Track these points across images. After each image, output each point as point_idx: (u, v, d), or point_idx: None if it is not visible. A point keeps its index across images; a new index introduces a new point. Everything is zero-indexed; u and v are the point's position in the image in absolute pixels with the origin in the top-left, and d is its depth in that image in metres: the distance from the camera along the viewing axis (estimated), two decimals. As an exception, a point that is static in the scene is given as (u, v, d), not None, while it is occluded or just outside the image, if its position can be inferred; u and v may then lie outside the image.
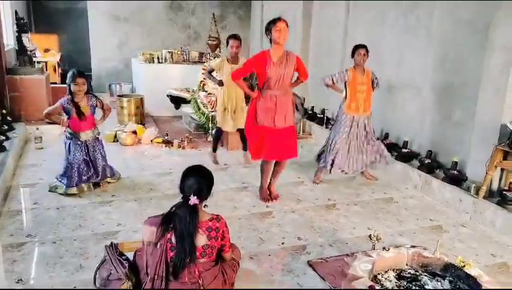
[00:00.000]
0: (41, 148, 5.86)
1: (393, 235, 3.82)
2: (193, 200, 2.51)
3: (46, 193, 4.38)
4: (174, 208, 2.57)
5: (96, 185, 4.52)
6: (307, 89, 7.75)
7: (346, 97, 4.88)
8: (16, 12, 6.90)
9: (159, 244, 2.52)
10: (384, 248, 2.97)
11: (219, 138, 5.61)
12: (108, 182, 4.63)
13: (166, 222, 2.54)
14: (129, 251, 2.85)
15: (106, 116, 4.58)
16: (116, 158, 5.23)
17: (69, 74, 4.22)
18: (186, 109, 7.35)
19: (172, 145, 6.11)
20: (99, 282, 2.80)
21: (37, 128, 5.92)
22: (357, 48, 4.82)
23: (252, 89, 4.66)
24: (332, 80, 4.87)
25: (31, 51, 7.80)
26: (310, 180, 5.08)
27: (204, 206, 2.70)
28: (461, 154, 4.68)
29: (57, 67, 9.63)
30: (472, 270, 2.75)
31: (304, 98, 6.88)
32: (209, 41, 6.68)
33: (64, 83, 8.87)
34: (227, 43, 5.17)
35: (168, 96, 7.40)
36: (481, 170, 4.26)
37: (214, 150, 5.60)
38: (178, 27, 9.99)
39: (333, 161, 4.92)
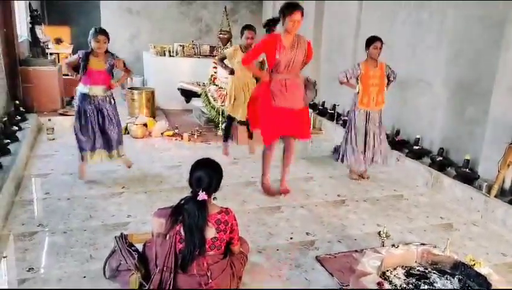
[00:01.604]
0: (53, 139, 5.91)
1: (402, 232, 3.79)
2: (202, 195, 2.51)
3: (57, 183, 4.43)
4: (183, 201, 2.59)
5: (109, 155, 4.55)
6: (318, 85, 7.71)
7: (358, 92, 4.82)
8: (30, 5, 6.95)
9: (168, 236, 2.54)
10: (393, 245, 2.95)
11: (230, 127, 5.60)
12: (120, 155, 4.62)
13: (176, 214, 2.56)
14: (138, 243, 2.87)
15: (124, 78, 4.59)
16: (126, 150, 5.23)
17: (91, 31, 4.18)
18: (196, 102, 7.36)
19: (182, 138, 6.13)
20: (108, 272, 2.84)
21: (49, 120, 5.97)
22: (373, 40, 4.70)
23: None
24: (346, 76, 4.81)
25: (43, 43, 7.87)
26: (319, 175, 5.07)
27: (213, 199, 2.71)
28: (473, 152, 4.63)
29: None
30: (482, 269, 2.72)
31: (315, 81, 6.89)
32: (221, 35, 6.67)
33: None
34: (242, 33, 5.16)
35: (178, 89, 7.42)
36: (493, 168, 4.21)
37: (225, 139, 5.59)
38: (189, 20, 9.99)
39: (350, 156, 4.91)
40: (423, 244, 3.13)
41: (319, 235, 3.63)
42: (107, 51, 4.28)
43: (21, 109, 5.95)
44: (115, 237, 2.88)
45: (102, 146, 4.47)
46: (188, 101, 7.54)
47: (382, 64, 4.82)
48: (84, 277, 2.91)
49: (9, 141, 4.69)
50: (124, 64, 4.48)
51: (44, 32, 7.09)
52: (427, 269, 2.88)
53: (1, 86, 5.80)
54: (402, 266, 2.88)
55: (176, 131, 6.27)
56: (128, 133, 6.22)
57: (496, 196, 4.17)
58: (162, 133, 6.27)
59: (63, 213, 3.80)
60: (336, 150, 5.18)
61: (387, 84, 4.91)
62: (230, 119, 5.51)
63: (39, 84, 6.67)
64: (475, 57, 4.71)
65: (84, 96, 4.31)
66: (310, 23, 7.82)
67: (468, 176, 4.55)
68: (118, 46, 9.73)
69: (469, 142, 4.77)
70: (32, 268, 2.96)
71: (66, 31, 10.92)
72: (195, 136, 6.15)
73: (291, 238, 3.57)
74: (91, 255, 3.15)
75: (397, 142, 5.59)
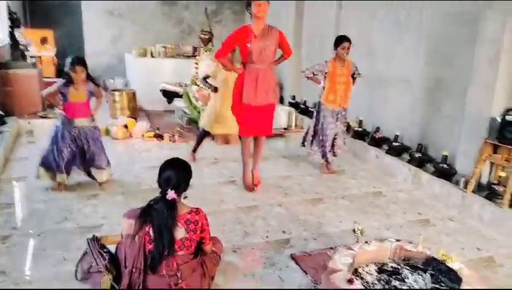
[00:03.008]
0: (33, 142, 5.85)
1: (379, 229, 3.81)
2: (171, 194, 2.51)
3: (34, 186, 4.37)
4: (152, 202, 2.58)
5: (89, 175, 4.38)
6: (300, 84, 7.75)
7: (324, 88, 4.92)
8: (9, 7, 6.86)
9: (137, 237, 2.52)
10: (366, 242, 2.96)
11: (202, 139, 5.40)
12: (101, 183, 4.39)
13: (145, 214, 2.54)
14: (112, 244, 2.84)
15: (100, 104, 4.43)
16: (106, 152, 5.21)
17: (68, 60, 4.06)
18: (178, 103, 7.33)
19: (163, 139, 6.11)
20: (80, 274, 2.80)
21: (29, 122, 5.93)
22: (341, 40, 4.79)
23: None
24: (313, 72, 4.92)
25: (24, 46, 7.78)
26: (298, 174, 5.08)
27: (184, 198, 2.70)
28: (451, 148, 4.67)
29: (55, 61, 9.64)
30: (453, 264, 2.74)
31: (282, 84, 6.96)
32: (202, 35, 6.63)
33: (60, 77, 8.91)
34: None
35: (160, 90, 7.39)
36: (471, 164, 4.26)
37: (195, 150, 5.39)
38: (172, 22, 9.95)
39: (323, 152, 5.05)
40: (398, 240, 3.15)
41: (295, 233, 3.63)
42: (87, 77, 4.16)
43: (0, 112, 5.86)
44: (87, 239, 2.85)
45: (80, 167, 4.34)
46: (170, 102, 7.51)
47: (349, 62, 4.92)
48: (55, 279, 2.87)
49: (-17, 144, 4.61)
50: (97, 91, 4.34)
51: (24, 35, 6.99)
52: (399, 265, 2.89)
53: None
54: (375, 263, 2.89)
55: (157, 132, 6.24)
56: (108, 134, 6.17)
57: (473, 191, 4.21)
58: (142, 135, 6.24)
59: (38, 216, 3.76)
60: (304, 139, 5.29)
61: (353, 81, 5.01)
62: (204, 133, 5.34)
63: (19, 88, 6.59)
64: (451, 55, 4.76)
65: (68, 123, 4.17)
66: (290, 24, 7.86)
67: (446, 171, 4.59)
68: (100, 48, 9.73)
69: (447, 138, 4.81)
70: (4, 272, 2.93)
71: (49, 33, 10.81)
72: (176, 137, 6.12)
73: (266, 237, 3.57)
74: (64, 257, 3.12)
75: (377, 139, 5.62)
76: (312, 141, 5.16)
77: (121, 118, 6.45)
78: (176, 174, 2.56)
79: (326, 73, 4.86)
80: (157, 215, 2.50)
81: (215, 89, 5.17)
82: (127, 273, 2.50)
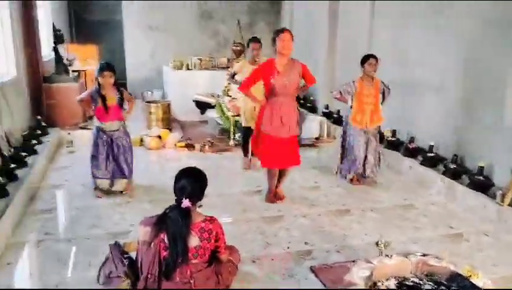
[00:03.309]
0: (73, 151, 6.12)
1: (406, 243, 3.67)
2: (185, 203, 2.55)
3: (69, 194, 4.59)
4: (168, 210, 2.63)
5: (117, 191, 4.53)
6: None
7: (351, 107, 4.88)
8: (53, 25, 7.27)
9: (152, 244, 2.58)
10: (387, 255, 2.88)
11: (247, 140, 5.43)
12: (126, 191, 4.54)
13: (160, 222, 2.60)
14: (135, 250, 2.91)
15: (131, 109, 4.61)
16: (139, 162, 5.35)
17: (98, 67, 4.33)
18: (211, 113, 7.45)
19: (194, 149, 6.22)
20: (102, 279, 2.89)
21: (69, 133, 6.21)
22: (367, 57, 4.78)
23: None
24: (340, 92, 4.92)
25: (69, 60, 8.23)
26: (326, 185, 5.01)
27: (199, 207, 2.73)
28: (488, 159, 4.46)
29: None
30: (478, 281, 2.61)
31: (305, 114, 7.10)
32: (234, 47, 6.78)
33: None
34: (248, 46, 5.25)
35: (194, 101, 7.55)
36: (508, 176, 4.05)
37: (245, 153, 5.52)
38: (208, 34, 10.19)
39: (350, 168, 4.98)
40: (424, 255, 3.04)
41: (318, 245, 3.58)
42: (115, 83, 4.37)
43: (43, 123, 6.19)
44: (109, 244, 2.95)
45: (113, 173, 4.47)
46: (203, 112, 7.65)
47: (377, 81, 4.86)
48: (80, 283, 2.98)
49: (26, 154, 4.88)
50: (128, 96, 4.56)
51: (66, 50, 7.38)
52: (421, 280, 2.79)
53: (23, 104, 6.08)
54: (395, 277, 2.81)
55: (188, 142, 6.36)
56: (142, 144, 6.36)
57: (509, 205, 4.00)
58: (175, 145, 6.38)
59: (71, 222, 3.93)
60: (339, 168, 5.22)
61: (383, 100, 4.95)
62: (246, 132, 5.45)
63: (61, 100, 6.92)
64: (489, 61, 4.56)
65: (100, 130, 4.39)
66: (324, 31, 7.82)
67: (482, 184, 4.38)
68: (140, 61, 10.10)
69: (484, 149, 4.60)
70: (32, 274, 3.07)
71: (93, 49, 11.35)
72: (207, 147, 6.22)
73: (288, 247, 3.54)
74: (90, 263, 3.23)
75: (411, 150, 5.46)
76: (342, 161, 5.12)
77: (155, 129, 6.63)
78: (191, 183, 2.60)
79: (353, 93, 4.83)
80: (172, 224, 2.55)
81: None
82: (142, 279, 2.56)
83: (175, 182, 2.64)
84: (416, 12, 5.65)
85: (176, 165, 5.62)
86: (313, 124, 7.11)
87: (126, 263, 2.75)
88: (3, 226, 3.46)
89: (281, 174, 4.48)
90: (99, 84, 4.29)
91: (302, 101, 8.60)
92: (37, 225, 3.85)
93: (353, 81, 4.87)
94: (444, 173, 4.83)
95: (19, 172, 4.45)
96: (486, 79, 4.61)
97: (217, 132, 7.24)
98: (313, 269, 3.19)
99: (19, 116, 5.70)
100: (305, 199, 4.58)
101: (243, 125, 5.49)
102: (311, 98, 8.47)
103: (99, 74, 4.23)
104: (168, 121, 7.32)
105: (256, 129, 4.41)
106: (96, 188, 4.49)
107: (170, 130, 7.08)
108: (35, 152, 5.20)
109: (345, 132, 5.05)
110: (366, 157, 4.92)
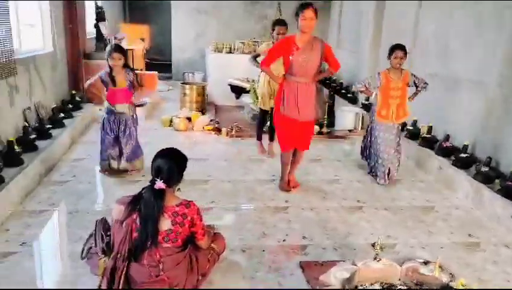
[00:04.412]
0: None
1: (414, 247, 3.39)
2: (158, 184, 2.48)
3: (87, 168, 4.70)
4: (144, 191, 2.57)
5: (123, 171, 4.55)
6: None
7: (376, 97, 4.59)
8: (96, 3, 7.47)
9: (124, 223, 2.54)
10: (375, 258, 2.65)
11: (262, 123, 5.47)
12: (131, 170, 4.56)
13: (134, 202, 2.54)
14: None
15: (138, 94, 4.67)
16: (162, 142, 5.36)
17: (107, 49, 4.39)
18: (246, 98, 7.34)
19: (220, 133, 6.16)
20: (84, 254, 2.91)
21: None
22: (394, 49, 4.42)
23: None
24: (365, 85, 4.62)
25: (118, 39, 8.45)
26: (346, 179, 4.75)
27: (177, 190, 2.66)
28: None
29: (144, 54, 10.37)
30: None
31: (333, 100, 6.88)
32: (272, 32, 6.56)
33: (148, 70, 9.54)
34: (273, 29, 5.07)
35: (229, 85, 7.48)
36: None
37: (259, 137, 5.48)
38: (254, 18, 10.04)
39: (388, 171, 4.64)
40: (426, 262, 2.76)
41: (316, 241, 3.39)
42: (125, 66, 4.39)
43: (77, 98, 6.39)
44: (96, 220, 2.95)
45: (119, 154, 4.53)
46: (237, 97, 7.56)
47: (407, 73, 4.50)
48: (69, 256, 3.04)
49: (52, 126, 5.05)
50: (136, 79, 4.56)
51: (107, 28, 7.57)
52: (410, 288, 2.54)
53: (59, 78, 6.30)
54: (381, 282, 2.58)
55: (216, 126, 6.31)
56: (171, 125, 6.40)
57: (543, 217, 3.56)
58: (203, 128, 6.35)
59: (77, 196, 4.00)
60: (363, 152, 4.96)
61: (416, 93, 4.60)
62: (261, 114, 5.37)
63: (100, 77, 7.11)
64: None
65: (111, 111, 4.46)
66: (370, 22, 7.45)
67: (514, 190, 3.94)
68: (185, 43, 10.21)
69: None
70: (25, 242, 3.16)
71: (145, 29, 11.64)
72: (233, 131, 6.13)
73: (284, 240, 3.38)
74: (81, 237, 3.25)
75: (445, 148, 5.03)
76: (366, 155, 4.90)
77: (184, 111, 6.64)
78: (167, 164, 2.51)
79: (379, 86, 4.52)
80: (144, 205, 2.49)
81: None
82: (111, 257, 2.52)
83: (152, 162, 2.57)
84: (461, 2, 5.16)
85: (199, 148, 5.64)
86: (349, 116, 6.81)
87: (106, 241, 2.74)
88: (10, 193, 3.59)
89: (294, 161, 4.34)
90: (110, 67, 4.32)
91: (343, 91, 8.28)
92: (46, 195, 3.97)
93: (378, 73, 4.56)
94: (474, 176, 4.40)
95: (42, 143, 4.60)
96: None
97: (249, 118, 7.14)
98: (301, 265, 3.02)
99: (53, 89, 5.91)
100: (319, 192, 4.37)
101: (259, 107, 5.37)
102: (352, 89, 8.10)
103: (109, 55, 4.27)
104: (202, 104, 7.31)
105: (275, 109, 4.28)
106: (102, 169, 4.55)
107: (203, 112, 7.07)
108: (62, 125, 5.37)
109: (371, 128, 4.75)
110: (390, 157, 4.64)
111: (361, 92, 4.78)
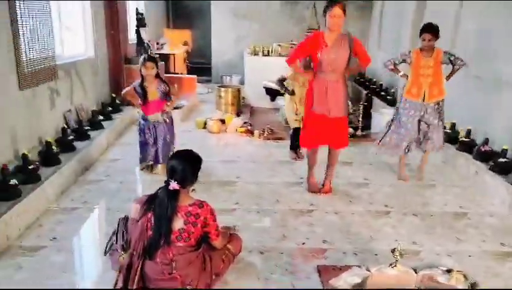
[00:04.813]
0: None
1: (439, 254, 3.26)
2: (172, 185, 2.55)
3: (121, 168, 4.88)
4: (159, 191, 2.65)
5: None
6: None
7: (405, 77, 4.52)
8: (137, 9, 7.75)
9: (140, 222, 2.63)
10: (390, 264, 2.58)
11: (295, 138, 5.38)
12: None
13: (150, 201, 2.63)
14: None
15: (173, 104, 4.83)
16: (195, 144, 5.48)
17: (140, 58, 4.54)
18: (281, 101, 7.34)
19: (253, 135, 6.20)
20: (107, 250, 3.04)
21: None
22: (422, 31, 4.34)
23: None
24: (394, 62, 4.55)
25: (160, 44, 8.73)
26: (376, 183, 4.64)
27: (192, 190, 2.71)
28: None
29: (185, 59, 10.67)
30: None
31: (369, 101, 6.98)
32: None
33: (190, 74, 9.80)
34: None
35: (264, 88, 7.51)
36: None
37: (293, 147, 5.42)
38: (293, 21, 10.01)
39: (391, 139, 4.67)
40: (449, 271, 2.66)
41: (337, 245, 3.34)
42: (157, 76, 4.52)
43: (117, 101, 6.65)
44: (119, 218, 3.07)
45: (155, 159, 4.71)
46: (272, 99, 7.57)
47: (439, 52, 4.36)
48: (96, 250, 3.18)
49: (90, 127, 5.29)
50: (169, 91, 4.67)
51: (148, 33, 7.82)
52: (425, 297, 2.45)
53: (101, 82, 6.59)
54: (396, 290, 2.50)
55: (249, 128, 6.36)
56: (205, 127, 6.52)
57: None
58: (236, 130, 6.42)
59: (110, 194, 4.18)
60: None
61: (452, 71, 4.44)
62: (294, 130, 5.32)
63: (141, 81, 7.37)
64: None
65: (145, 118, 4.65)
66: (410, 19, 7.23)
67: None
68: (225, 47, 10.35)
69: None
70: (56, 237, 3.35)
71: (187, 34, 11.94)
72: (266, 134, 6.16)
73: (303, 243, 3.36)
74: (108, 233, 3.40)
75: (483, 153, 4.80)
76: (386, 133, 4.74)
77: (218, 113, 6.74)
78: (181, 165, 2.58)
79: (409, 63, 4.44)
80: (159, 204, 2.57)
81: (293, 92, 5.13)
82: (128, 255, 2.62)
83: (167, 163, 2.65)
84: (503, 2, 4.90)
85: (230, 150, 5.71)
86: (386, 119, 6.62)
87: (126, 238, 2.84)
88: (46, 191, 3.81)
89: (329, 164, 4.32)
90: (142, 77, 4.45)
91: (382, 93, 8.08)
92: (79, 194, 4.17)
93: (409, 51, 4.50)
94: (513, 183, 4.17)
95: (80, 144, 4.84)
96: None
97: (283, 120, 7.13)
98: (318, 269, 2.99)
99: (94, 93, 6.19)
100: (346, 196, 4.31)
101: (291, 126, 5.37)
102: (392, 90, 7.89)
103: (142, 64, 4.39)
104: (238, 106, 7.40)
105: (305, 109, 4.25)
106: (140, 168, 4.78)
107: (238, 115, 7.16)
108: (101, 127, 5.61)
109: (397, 108, 4.65)
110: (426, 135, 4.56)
111: (390, 70, 4.65)
